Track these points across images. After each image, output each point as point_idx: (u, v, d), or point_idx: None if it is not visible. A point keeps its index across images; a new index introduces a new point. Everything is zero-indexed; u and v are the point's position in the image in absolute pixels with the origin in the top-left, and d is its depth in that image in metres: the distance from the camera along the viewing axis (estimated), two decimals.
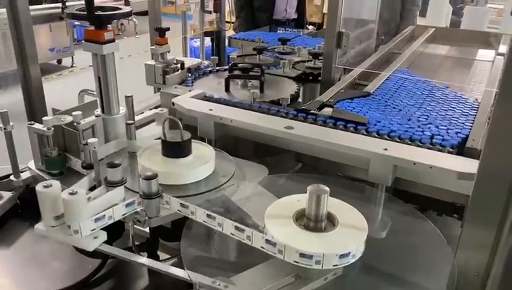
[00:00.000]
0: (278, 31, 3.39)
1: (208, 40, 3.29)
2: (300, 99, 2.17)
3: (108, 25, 1.32)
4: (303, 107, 1.60)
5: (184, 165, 1.24)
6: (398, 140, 1.34)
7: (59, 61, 7.04)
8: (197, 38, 4.82)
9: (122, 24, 9.30)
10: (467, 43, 2.80)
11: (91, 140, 1.17)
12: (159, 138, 1.31)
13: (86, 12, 1.25)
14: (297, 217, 1.01)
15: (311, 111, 1.55)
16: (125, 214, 1.06)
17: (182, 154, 1.25)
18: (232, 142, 1.57)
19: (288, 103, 1.62)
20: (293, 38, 2.87)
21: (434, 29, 2.94)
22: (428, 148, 1.30)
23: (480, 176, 1.00)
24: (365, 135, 1.38)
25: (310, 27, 5.68)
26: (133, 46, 5.31)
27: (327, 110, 1.58)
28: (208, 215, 1.04)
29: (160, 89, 1.96)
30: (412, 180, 1.29)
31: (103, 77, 1.37)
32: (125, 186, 1.15)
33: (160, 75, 1.99)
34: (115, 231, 1.21)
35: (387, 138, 1.36)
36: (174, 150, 1.25)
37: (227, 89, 1.83)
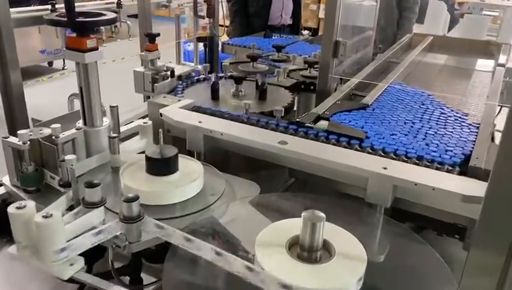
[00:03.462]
0: (273, 37, 3.32)
1: (201, 44, 3.20)
2: (295, 108, 2.10)
3: (91, 32, 1.24)
4: (297, 119, 1.52)
5: (169, 183, 1.16)
6: (398, 157, 1.27)
7: (50, 64, 6.93)
8: (191, 42, 4.74)
9: (116, 26, 9.20)
10: (466, 52, 2.74)
11: (68, 157, 1.08)
12: (143, 152, 1.23)
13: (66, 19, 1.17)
14: (290, 244, 0.93)
15: (306, 124, 1.48)
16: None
17: (168, 171, 1.17)
18: (222, 156, 1.49)
19: (282, 115, 1.54)
20: (288, 45, 2.80)
21: (432, 37, 2.88)
22: (430, 166, 1.22)
23: (489, 198, 0.92)
24: (363, 151, 1.31)
25: (306, 32, 5.63)
26: (126, 49, 5.21)
27: (323, 124, 1.50)
28: (158, 225, 0.95)
29: (149, 97, 1.88)
30: (413, 201, 1.22)
31: (85, 87, 1.29)
32: (105, 207, 1.07)
33: (150, 82, 1.91)
34: (97, 251, 1.12)
35: (386, 154, 1.29)
36: (159, 167, 1.17)
37: (214, 97, 1.76)
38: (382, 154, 1.29)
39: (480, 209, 0.94)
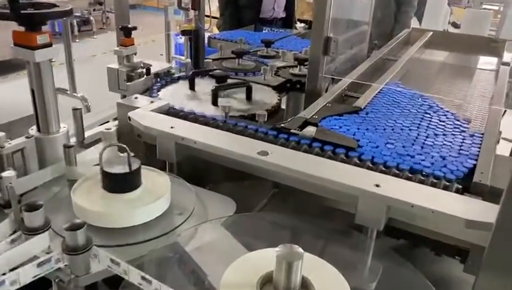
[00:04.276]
0: (264, 31, 3.15)
1: None
2: (283, 108, 1.94)
3: (42, 26, 1.08)
4: (282, 125, 1.37)
5: (129, 202, 1.00)
6: (393, 171, 1.12)
7: None
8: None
9: (108, 18, 8.95)
10: (467, 48, 2.58)
11: (6, 174, 0.92)
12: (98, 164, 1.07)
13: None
14: (263, 282, 0.79)
15: (292, 131, 1.33)
16: None
17: (127, 188, 1.02)
18: (197, 166, 1.33)
19: (265, 119, 1.39)
20: (279, 39, 2.63)
21: (431, 33, 2.72)
22: (428, 183, 1.08)
23: (501, 223, 0.78)
24: (354, 163, 1.15)
25: (302, 25, 5.44)
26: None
27: (310, 130, 1.35)
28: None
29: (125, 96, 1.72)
30: (409, 223, 1.07)
31: (38, 89, 1.13)
32: (53, 230, 0.92)
33: (124, 80, 1.75)
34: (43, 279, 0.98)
35: (379, 166, 1.14)
36: (117, 183, 1.01)
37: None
38: (374, 167, 1.14)
39: (491, 236, 0.80)
